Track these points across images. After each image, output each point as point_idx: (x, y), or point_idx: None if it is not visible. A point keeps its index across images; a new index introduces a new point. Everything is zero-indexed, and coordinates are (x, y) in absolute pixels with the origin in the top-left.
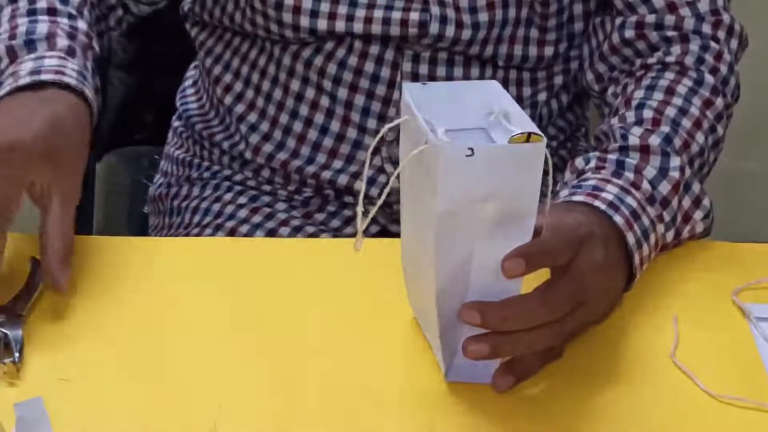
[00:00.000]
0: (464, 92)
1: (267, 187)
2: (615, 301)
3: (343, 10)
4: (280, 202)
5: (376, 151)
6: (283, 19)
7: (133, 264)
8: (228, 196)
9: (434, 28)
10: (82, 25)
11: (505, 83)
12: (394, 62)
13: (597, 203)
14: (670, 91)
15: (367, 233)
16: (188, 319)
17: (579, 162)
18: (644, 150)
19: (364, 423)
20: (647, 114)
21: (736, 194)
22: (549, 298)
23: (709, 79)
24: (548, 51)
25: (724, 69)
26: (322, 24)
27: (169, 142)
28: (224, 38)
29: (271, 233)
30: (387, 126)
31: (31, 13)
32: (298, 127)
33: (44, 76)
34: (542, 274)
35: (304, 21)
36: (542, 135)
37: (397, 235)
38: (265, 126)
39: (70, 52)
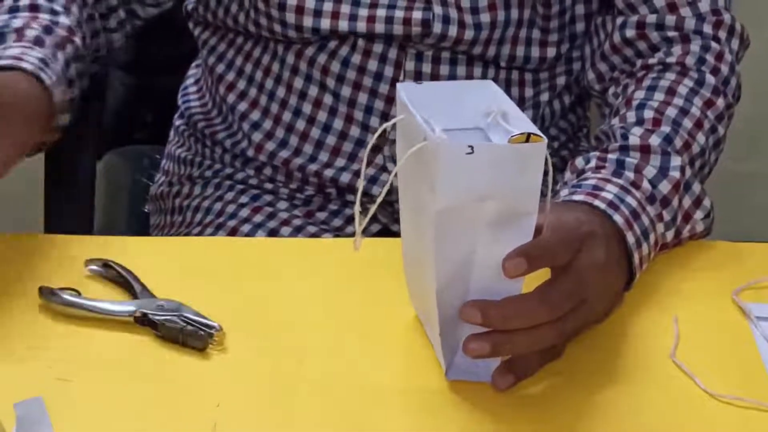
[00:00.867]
0: (460, 92)
1: (269, 186)
2: (615, 300)
3: (346, 9)
4: (282, 201)
5: (378, 149)
6: (287, 20)
7: (133, 263)
8: (229, 195)
9: (437, 27)
10: (63, 20)
11: (508, 84)
12: (397, 61)
13: (597, 203)
14: (671, 92)
15: (368, 232)
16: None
17: (579, 162)
18: (644, 150)
19: (364, 423)
20: (648, 114)
21: (736, 194)
22: (549, 298)
23: (710, 79)
24: (550, 52)
25: (725, 69)
26: (325, 23)
27: (171, 141)
28: (227, 37)
29: (273, 233)
30: (386, 124)
31: (13, 9)
32: (300, 125)
33: (2, 62)
34: (543, 274)
35: (308, 21)
36: (542, 135)
37: (399, 234)
38: (267, 124)
39: (38, 42)
